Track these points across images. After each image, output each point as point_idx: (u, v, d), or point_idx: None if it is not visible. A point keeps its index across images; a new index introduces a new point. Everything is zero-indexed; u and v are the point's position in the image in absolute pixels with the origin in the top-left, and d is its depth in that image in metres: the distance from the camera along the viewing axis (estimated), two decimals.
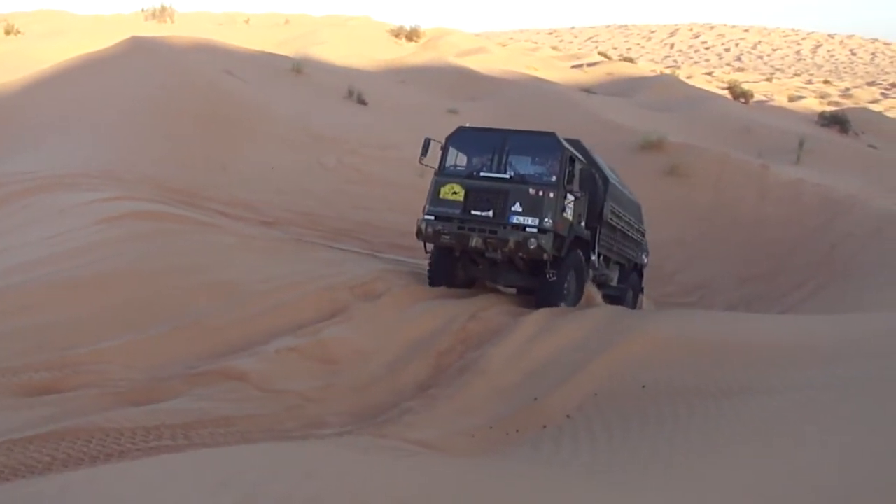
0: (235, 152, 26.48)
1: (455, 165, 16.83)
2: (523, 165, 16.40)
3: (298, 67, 36.20)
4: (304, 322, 13.49)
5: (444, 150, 16.80)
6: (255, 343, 12.47)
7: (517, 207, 15.61)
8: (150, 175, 23.03)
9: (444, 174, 16.51)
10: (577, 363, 12.92)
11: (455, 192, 16.00)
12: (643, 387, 12.06)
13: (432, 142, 16.76)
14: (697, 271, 26.65)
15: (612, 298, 19.13)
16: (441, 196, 16.13)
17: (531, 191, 15.68)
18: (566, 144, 16.40)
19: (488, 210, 15.75)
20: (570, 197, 16.22)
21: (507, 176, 16.06)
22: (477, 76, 43.42)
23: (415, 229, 16.46)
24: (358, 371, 12.31)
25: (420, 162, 16.80)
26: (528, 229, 15.48)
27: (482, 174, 16.27)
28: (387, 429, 10.49)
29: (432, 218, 16.08)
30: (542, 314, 15.25)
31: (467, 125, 17.45)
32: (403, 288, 15.90)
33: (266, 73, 34.35)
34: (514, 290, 17.88)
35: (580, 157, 17.19)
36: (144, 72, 29.49)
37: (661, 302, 23.25)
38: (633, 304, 20.58)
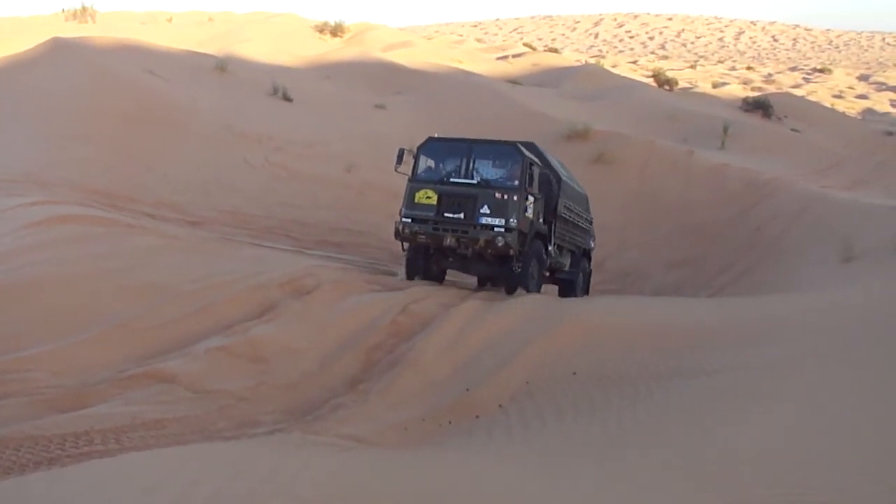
0: (160, 153, 26.19)
1: (426, 171, 18.42)
2: (488, 171, 18.13)
3: (222, 65, 35.78)
4: (234, 321, 13.43)
5: (416, 158, 18.42)
6: (184, 344, 12.39)
7: (485, 210, 17.38)
8: (74, 178, 22.72)
9: (417, 180, 18.09)
10: (509, 353, 13.04)
11: (429, 197, 17.62)
12: (574, 374, 12.20)
13: (406, 152, 18.43)
14: (625, 258, 26.90)
15: (566, 282, 21.18)
16: (416, 200, 17.73)
17: (497, 195, 17.45)
18: (526, 152, 18.24)
19: (460, 212, 17.50)
20: (531, 198, 18.08)
21: (475, 181, 17.82)
22: (403, 70, 43.25)
23: (392, 230, 18.21)
24: (288, 368, 12.28)
25: (396, 170, 18.42)
26: (495, 229, 17.28)
27: (452, 180, 17.98)
28: (319, 425, 10.49)
29: (409, 220, 17.73)
30: (473, 305, 15.50)
31: (436, 135, 19.01)
32: (333, 284, 15.89)
33: (190, 72, 33.94)
34: (457, 280, 19.38)
35: (538, 161, 18.97)
36: (66, 73, 29.02)
37: (591, 289, 23.42)
38: (585, 286, 22.38)
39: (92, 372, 11.18)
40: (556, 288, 21.19)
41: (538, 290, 18.55)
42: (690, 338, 13.04)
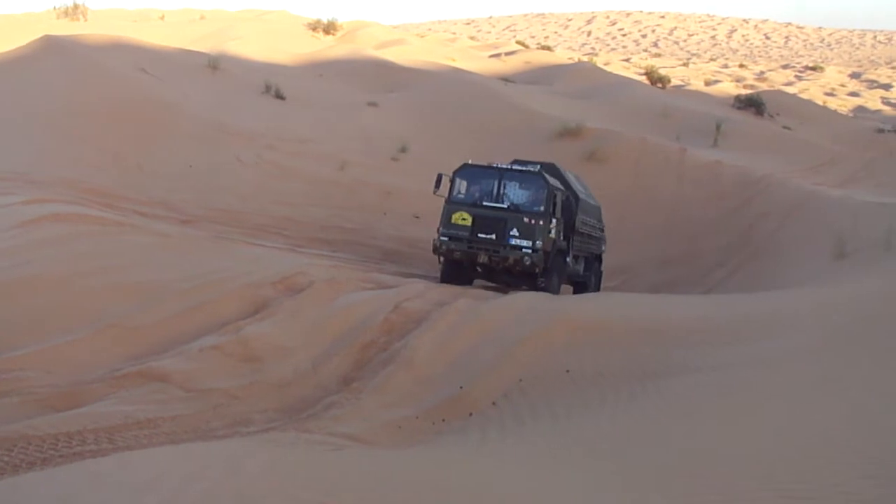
0: (152, 151, 26.14)
1: (461, 194, 20.29)
2: (517, 196, 20.07)
3: (214, 63, 35.66)
4: (227, 320, 13.39)
5: (452, 182, 20.30)
6: (177, 343, 12.36)
7: (514, 232, 19.43)
8: (66, 177, 22.65)
9: (453, 202, 20.09)
10: (501, 350, 13.05)
11: (464, 219, 19.65)
12: (567, 371, 12.21)
13: (444, 176, 20.13)
14: (619, 255, 26.83)
15: (579, 284, 23.20)
16: (452, 221, 19.78)
17: (525, 219, 19.51)
18: (551, 180, 20.29)
19: (491, 234, 19.52)
20: (554, 221, 19.98)
21: (505, 206, 19.86)
22: (395, 68, 43.17)
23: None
24: (282, 367, 12.26)
25: (434, 193, 20.12)
26: (523, 249, 19.31)
27: (485, 203, 19.95)
28: (312, 423, 10.48)
29: (447, 238, 19.75)
30: (465, 302, 15.62)
31: (470, 162, 20.74)
32: (326, 282, 15.89)
33: (182, 70, 33.85)
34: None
35: (560, 186, 20.99)
36: (58, 71, 28.94)
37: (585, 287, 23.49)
38: (596, 284, 24.14)
39: (85, 371, 11.15)
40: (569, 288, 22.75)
41: (558, 294, 20.01)
42: (684, 335, 13.05)
